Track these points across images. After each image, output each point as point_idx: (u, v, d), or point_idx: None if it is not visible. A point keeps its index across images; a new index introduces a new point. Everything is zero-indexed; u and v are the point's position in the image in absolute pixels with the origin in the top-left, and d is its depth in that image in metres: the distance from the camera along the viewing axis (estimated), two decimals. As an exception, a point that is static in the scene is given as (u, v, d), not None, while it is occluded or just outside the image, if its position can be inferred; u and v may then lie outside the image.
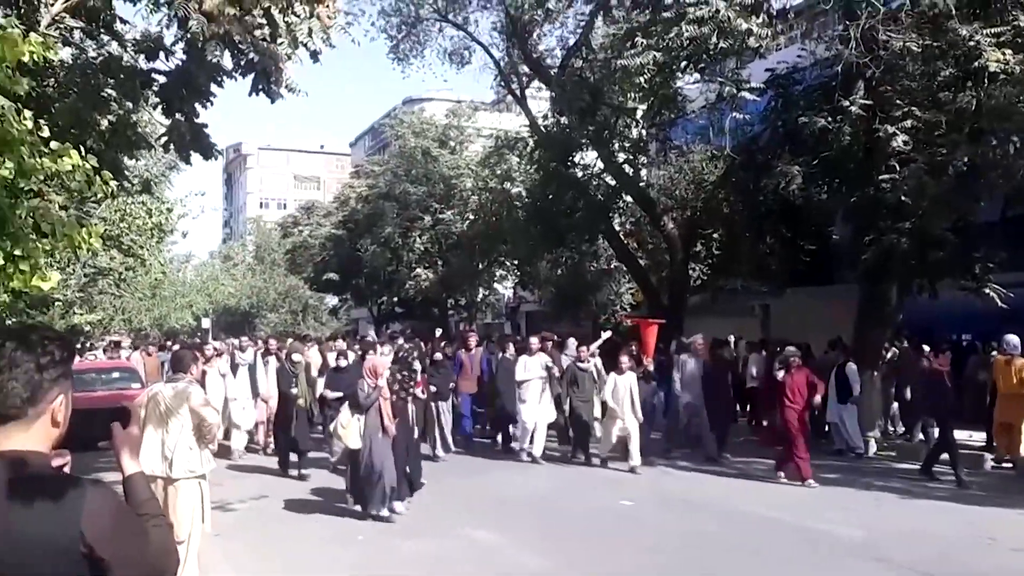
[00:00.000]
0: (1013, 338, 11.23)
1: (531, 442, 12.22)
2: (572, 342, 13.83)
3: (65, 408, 1.86)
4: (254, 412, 13.15)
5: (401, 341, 14.02)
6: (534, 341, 13.03)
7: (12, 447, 1.77)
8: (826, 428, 13.34)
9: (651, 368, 12.70)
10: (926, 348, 11.88)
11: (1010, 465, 11.42)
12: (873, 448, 12.95)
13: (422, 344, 12.95)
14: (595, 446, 12.15)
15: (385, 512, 8.44)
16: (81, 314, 24.47)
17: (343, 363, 11.88)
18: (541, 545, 7.70)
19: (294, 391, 11.45)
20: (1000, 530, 8.09)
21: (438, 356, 13.06)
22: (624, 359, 11.67)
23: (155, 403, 6.06)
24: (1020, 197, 13.29)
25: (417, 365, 10.95)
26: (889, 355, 14.29)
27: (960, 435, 13.33)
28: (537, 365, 12.47)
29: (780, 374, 10.66)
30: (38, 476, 1.76)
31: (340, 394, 10.33)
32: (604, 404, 11.81)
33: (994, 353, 12.06)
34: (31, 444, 1.79)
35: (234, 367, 13.30)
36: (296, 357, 11.98)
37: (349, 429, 8.41)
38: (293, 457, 11.48)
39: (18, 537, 1.69)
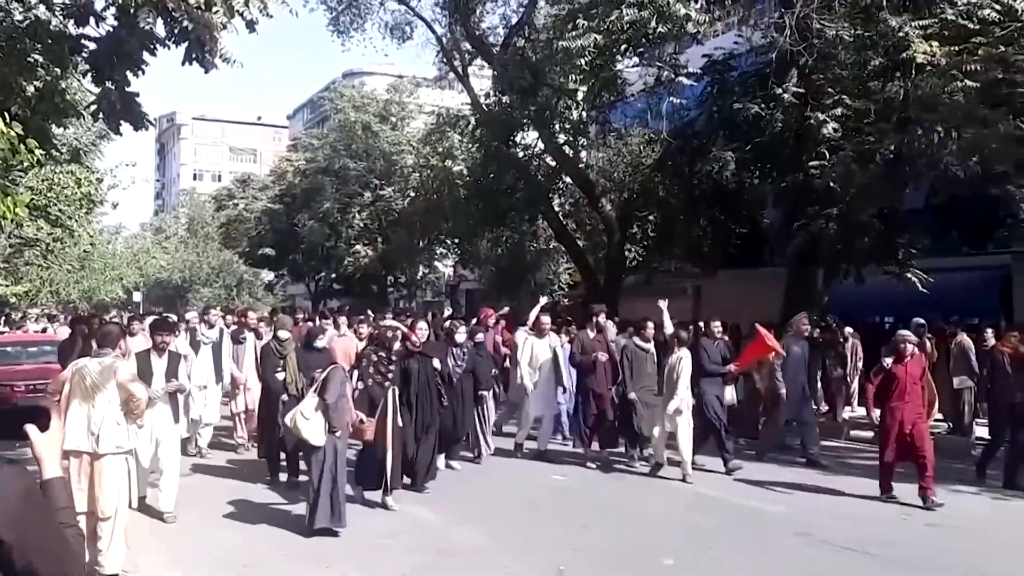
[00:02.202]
0: (912, 324, 11.58)
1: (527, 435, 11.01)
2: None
3: None
4: (219, 402, 11.30)
5: (390, 319, 11.89)
6: (545, 321, 11.34)
7: None
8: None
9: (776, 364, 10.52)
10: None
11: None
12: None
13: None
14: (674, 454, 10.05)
15: (337, 528, 7.22)
16: (6, 285, 23.74)
17: (320, 343, 9.54)
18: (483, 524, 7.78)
19: (280, 374, 9.43)
20: (916, 503, 8.45)
21: (479, 337, 10.87)
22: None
23: (80, 377, 5.96)
24: (943, 186, 13.76)
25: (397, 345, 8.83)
26: (816, 334, 14.70)
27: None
28: (546, 348, 11.03)
29: (888, 361, 8.64)
30: None
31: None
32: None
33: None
34: None
35: (195, 345, 10.76)
36: (283, 334, 9.78)
37: (312, 422, 7.12)
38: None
39: None
